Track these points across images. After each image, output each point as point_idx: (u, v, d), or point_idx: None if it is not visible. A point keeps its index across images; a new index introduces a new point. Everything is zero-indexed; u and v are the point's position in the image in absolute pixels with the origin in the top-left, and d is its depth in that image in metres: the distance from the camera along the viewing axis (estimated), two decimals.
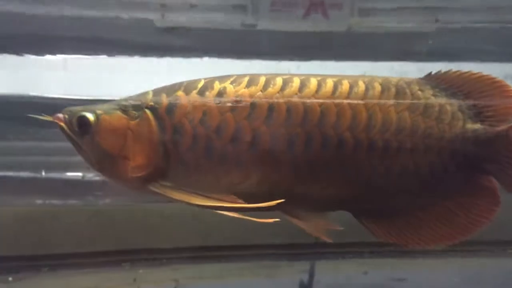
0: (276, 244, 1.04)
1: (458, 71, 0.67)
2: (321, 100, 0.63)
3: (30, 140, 1.02)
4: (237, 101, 0.62)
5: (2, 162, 1.02)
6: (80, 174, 1.04)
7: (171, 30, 1.03)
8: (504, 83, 0.67)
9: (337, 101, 0.63)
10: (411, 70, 0.96)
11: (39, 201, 1.02)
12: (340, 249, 1.03)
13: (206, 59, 1.06)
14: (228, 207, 0.62)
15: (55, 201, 1.04)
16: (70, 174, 1.04)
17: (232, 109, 0.63)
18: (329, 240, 0.64)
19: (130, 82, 1.03)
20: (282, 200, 0.61)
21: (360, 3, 1.02)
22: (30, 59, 1.02)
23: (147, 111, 0.64)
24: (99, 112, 0.65)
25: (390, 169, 0.64)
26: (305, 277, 1.00)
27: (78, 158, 0.69)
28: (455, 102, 0.65)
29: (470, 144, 0.64)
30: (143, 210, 1.09)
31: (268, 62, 1.06)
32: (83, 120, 0.65)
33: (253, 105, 0.63)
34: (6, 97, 1.01)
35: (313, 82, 0.64)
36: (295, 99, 0.63)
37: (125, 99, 0.68)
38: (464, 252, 1.02)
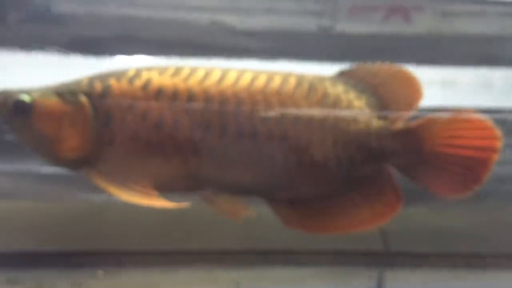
0: (345, 250, 1.02)
1: (366, 65, 0.69)
2: (236, 91, 0.66)
3: None
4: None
5: None
6: None
7: (248, 33, 1.04)
8: (407, 73, 0.67)
9: (251, 93, 0.66)
10: (495, 76, 0.91)
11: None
12: (410, 258, 1.00)
13: (282, 62, 1.06)
14: (143, 202, 0.66)
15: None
16: None
17: (156, 97, 0.66)
18: (239, 222, 0.68)
19: None
20: (187, 204, 0.66)
21: (443, 5, 0.98)
22: (112, 59, 1.06)
23: (82, 97, 0.67)
24: (34, 95, 0.68)
25: (300, 160, 0.66)
26: (373, 286, 0.97)
27: None
28: (363, 97, 0.66)
29: (374, 139, 0.65)
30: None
31: (345, 65, 1.05)
32: (18, 102, 0.68)
33: (174, 94, 0.65)
34: None
35: (232, 75, 0.67)
36: (212, 89, 0.66)
37: (60, 85, 0.70)
38: None
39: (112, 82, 0.68)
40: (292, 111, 0.66)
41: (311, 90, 0.67)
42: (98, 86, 0.68)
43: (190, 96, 0.66)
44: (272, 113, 0.66)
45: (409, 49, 1.03)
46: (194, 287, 0.99)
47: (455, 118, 0.66)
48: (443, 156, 0.65)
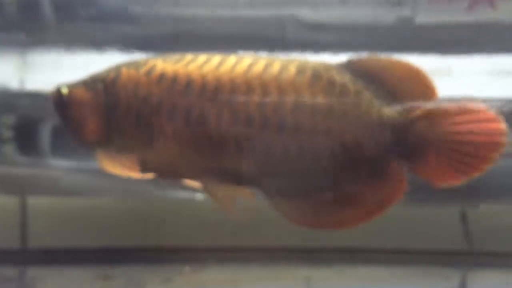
0: (428, 249, 1.01)
1: (376, 57, 0.65)
2: (232, 78, 0.65)
3: None
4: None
5: None
6: None
7: (320, 26, 1.01)
8: (420, 70, 0.63)
9: (248, 79, 0.64)
10: None
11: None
12: (494, 258, 0.97)
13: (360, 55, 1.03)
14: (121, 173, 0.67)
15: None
16: None
17: (158, 82, 0.67)
18: (234, 216, 0.66)
19: None
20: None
21: None
22: None
23: (99, 84, 0.70)
24: (70, 85, 0.72)
25: (303, 150, 0.64)
26: (456, 285, 0.96)
27: None
28: (371, 87, 0.64)
29: (383, 131, 0.63)
30: None
31: (427, 57, 1.00)
32: (57, 93, 0.72)
33: (173, 79, 0.66)
34: None
35: (231, 61, 0.66)
36: (209, 75, 0.65)
37: (91, 75, 0.73)
38: None
39: (123, 69, 0.70)
40: (303, 100, 0.64)
41: (315, 78, 0.65)
42: (112, 73, 0.70)
43: (189, 81, 0.66)
44: (270, 99, 0.65)
45: (495, 38, 0.96)
46: (267, 283, 1.01)
47: (460, 109, 0.63)
48: (446, 147, 0.63)
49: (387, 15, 0.98)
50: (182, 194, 1.08)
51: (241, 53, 1.03)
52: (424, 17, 0.97)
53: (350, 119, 0.63)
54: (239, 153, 0.65)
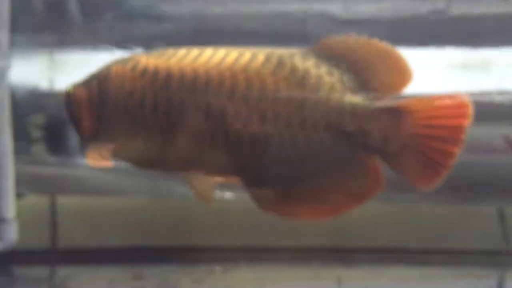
0: (465, 249, 0.98)
1: (343, 38, 0.62)
2: (207, 70, 0.65)
3: None
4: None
5: None
6: None
7: (351, 22, 0.99)
8: (392, 50, 0.60)
9: (221, 70, 0.64)
10: None
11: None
12: None
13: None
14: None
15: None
16: None
17: (141, 76, 0.68)
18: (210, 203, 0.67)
19: None
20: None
21: None
22: None
23: (94, 81, 0.71)
24: (75, 84, 0.74)
25: (267, 139, 0.63)
26: (494, 285, 0.93)
27: None
28: (335, 72, 0.61)
29: (347, 118, 0.59)
30: None
31: (462, 50, 0.97)
32: (65, 93, 0.75)
33: (155, 74, 0.67)
34: None
35: (208, 53, 0.66)
36: (187, 68, 0.66)
37: (90, 73, 0.74)
38: None
39: (113, 66, 0.71)
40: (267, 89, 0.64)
41: (279, 66, 0.63)
42: (104, 71, 0.71)
43: (168, 75, 0.67)
44: (238, 89, 0.64)
45: None
46: (298, 282, 1.00)
47: (434, 99, 0.61)
48: (419, 139, 0.60)
49: (421, 7, 0.96)
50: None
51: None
52: (459, 8, 0.94)
53: (310, 106, 0.62)
54: (216, 145, 0.65)
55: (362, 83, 0.62)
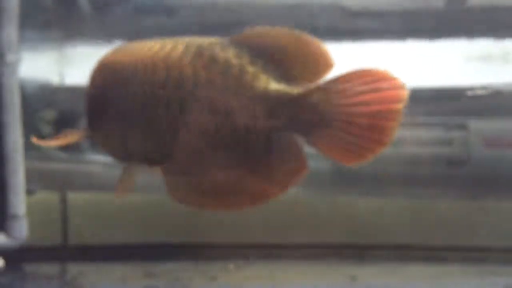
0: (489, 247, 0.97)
1: (264, 29, 0.62)
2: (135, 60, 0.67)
3: None
4: None
5: None
6: None
7: (364, 13, 0.97)
8: (312, 39, 0.60)
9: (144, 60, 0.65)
10: None
11: None
12: None
13: (408, 42, 0.98)
14: None
15: None
16: None
17: (100, 71, 0.70)
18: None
19: None
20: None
21: None
22: None
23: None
24: None
25: (189, 127, 0.63)
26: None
27: None
28: (258, 62, 0.61)
29: (273, 105, 0.60)
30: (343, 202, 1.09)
31: (480, 41, 0.95)
32: None
33: (110, 68, 0.69)
34: None
35: (148, 45, 0.67)
36: (122, 59, 0.68)
37: None
38: None
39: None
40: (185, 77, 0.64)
41: (197, 55, 0.63)
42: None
43: (115, 68, 0.69)
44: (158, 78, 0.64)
45: None
46: (311, 279, 0.99)
47: (355, 74, 0.59)
48: (341, 120, 0.59)
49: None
50: None
51: None
52: None
53: (233, 95, 0.61)
54: (142, 133, 0.66)
55: (285, 72, 0.62)
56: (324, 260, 1.04)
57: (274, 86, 0.60)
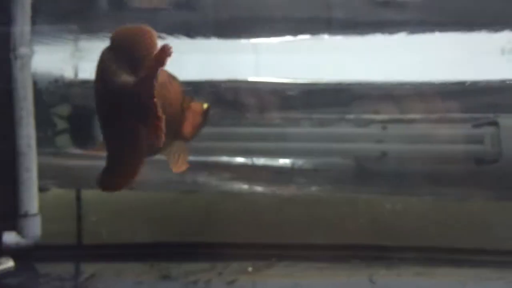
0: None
1: (120, 27, 0.65)
2: None
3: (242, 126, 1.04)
4: None
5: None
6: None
7: (388, 4, 0.92)
8: (147, 31, 0.64)
9: None
10: None
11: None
12: None
13: (437, 33, 0.93)
14: None
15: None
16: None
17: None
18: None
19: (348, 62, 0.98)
20: None
21: None
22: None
23: None
24: None
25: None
26: None
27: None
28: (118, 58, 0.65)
29: (119, 96, 0.64)
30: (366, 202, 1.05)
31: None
32: None
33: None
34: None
35: None
36: None
37: None
38: None
39: None
40: None
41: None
42: None
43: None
44: None
45: None
46: (331, 280, 0.96)
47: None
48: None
49: None
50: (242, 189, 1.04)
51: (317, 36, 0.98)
52: None
53: (105, 88, 0.66)
54: None
55: (134, 65, 0.66)
56: (346, 261, 1.00)
57: (123, 78, 0.65)
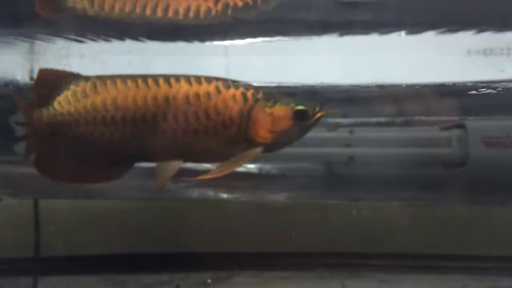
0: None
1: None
2: None
3: None
4: None
5: None
6: None
7: (353, 5, 0.90)
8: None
9: None
10: None
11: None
12: None
13: (402, 34, 0.92)
14: None
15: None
16: None
17: None
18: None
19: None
20: None
21: None
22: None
23: None
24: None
25: None
26: None
27: None
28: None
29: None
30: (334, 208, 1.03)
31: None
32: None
33: None
34: None
35: None
36: None
37: None
38: None
39: None
40: None
41: None
42: None
43: None
44: None
45: None
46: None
47: None
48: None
49: None
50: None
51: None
52: None
53: None
54: None
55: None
56: (311, 271, 0.99)
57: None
